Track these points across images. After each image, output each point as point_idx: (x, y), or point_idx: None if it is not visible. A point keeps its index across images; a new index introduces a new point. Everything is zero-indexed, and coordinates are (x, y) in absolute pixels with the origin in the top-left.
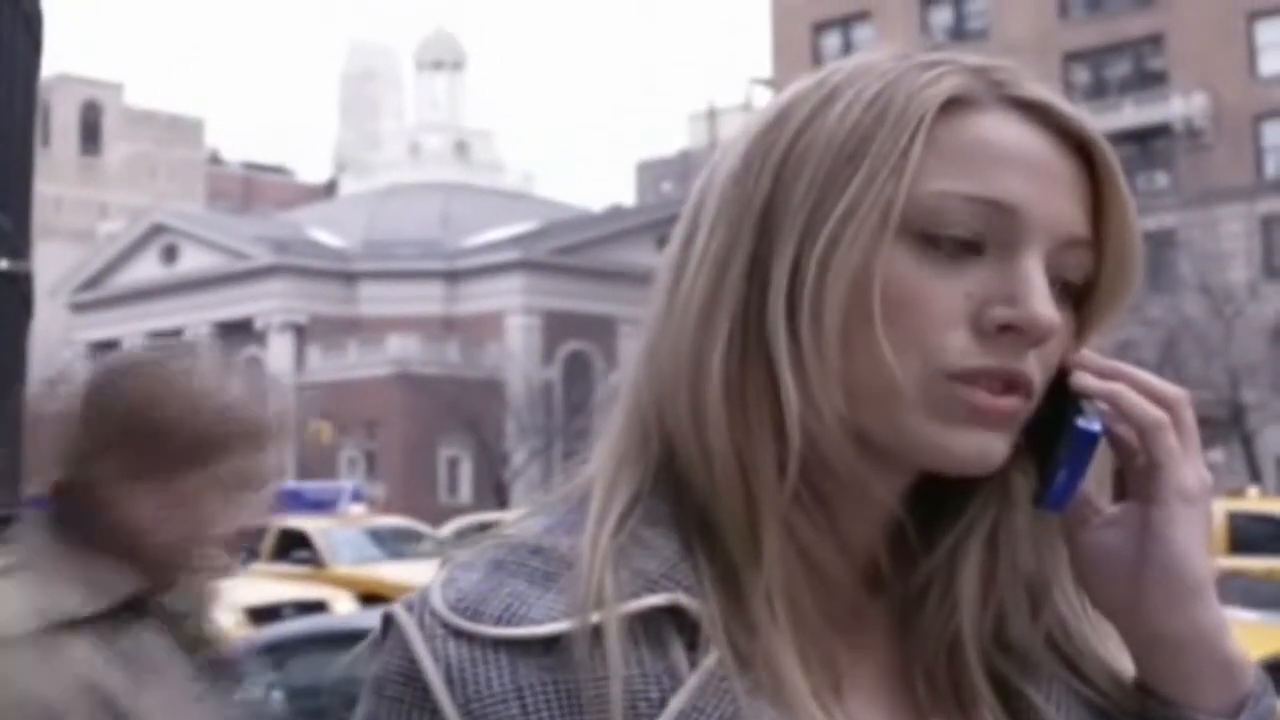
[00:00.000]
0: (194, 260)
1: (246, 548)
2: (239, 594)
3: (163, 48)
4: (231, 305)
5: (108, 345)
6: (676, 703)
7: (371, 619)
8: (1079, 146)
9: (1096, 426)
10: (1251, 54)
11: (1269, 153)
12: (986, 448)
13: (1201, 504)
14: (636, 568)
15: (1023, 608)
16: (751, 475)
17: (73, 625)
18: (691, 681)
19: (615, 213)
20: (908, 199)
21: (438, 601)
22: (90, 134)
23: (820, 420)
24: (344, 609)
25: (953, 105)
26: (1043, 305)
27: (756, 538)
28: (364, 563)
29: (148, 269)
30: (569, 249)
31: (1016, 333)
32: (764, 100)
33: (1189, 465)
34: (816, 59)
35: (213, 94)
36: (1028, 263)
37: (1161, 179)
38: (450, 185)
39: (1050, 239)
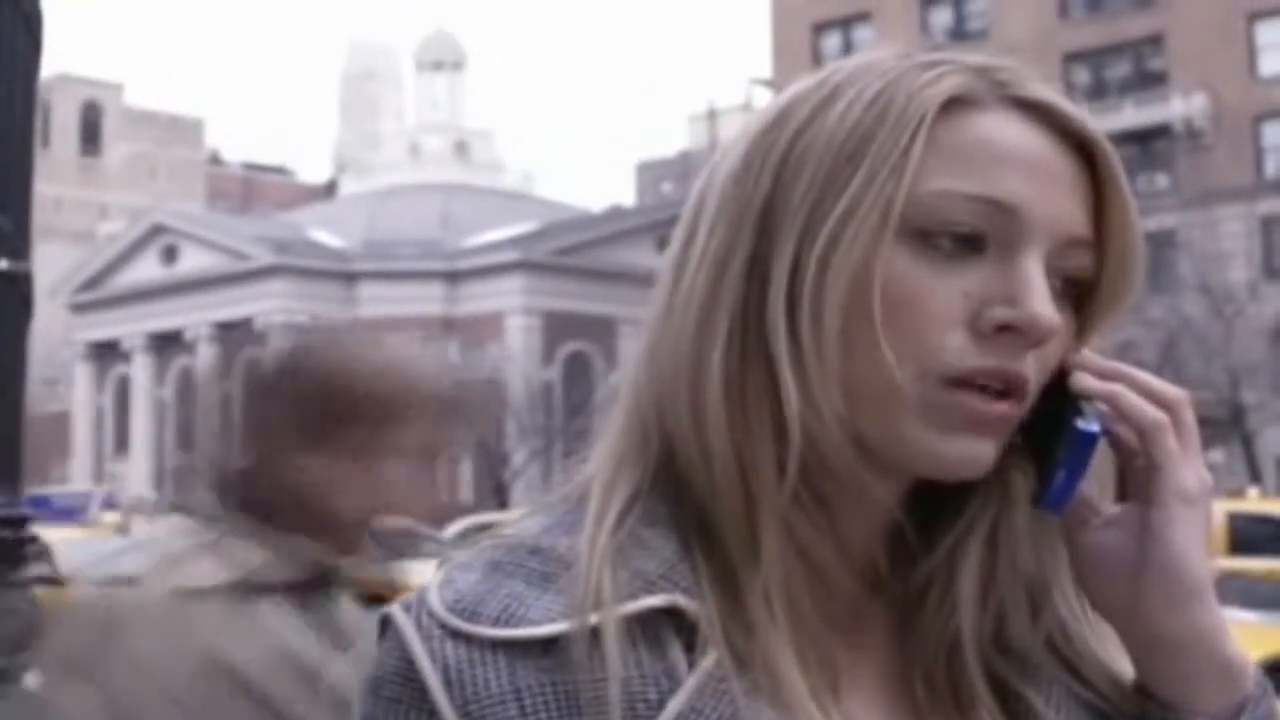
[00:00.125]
0: (194, 260)
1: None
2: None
3: (163, 48)
4: (231, 305)
5: (108, 345)
6: (674, 704)
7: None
8: (1081, 146)
9: (1095, 427)
10: (1251, 54)
11: (1269, 153)
12: (977, 453)
13: (1201, 505)
14: (635, 568)
15: (1022, 609)
16: (751, 474)
17: (265, 589)
18: (689, 683)
19: (615, 213)
20: (908, 198)
21: (435, 602)
22: (90, 134)
23: (820, 420)
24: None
25: (954, 105)
26: (1042, 305)
27: (755, 537)
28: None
29: (148, 269)
30: (569, 249)
31: (1015, 333)
32: (764, 101)
33: (1189, 466)
34: (816, 59)
35: (213, 94)
36: (1027, 263)
37: (1161, 179)
38: (450, 185)
39: (1050, 239)
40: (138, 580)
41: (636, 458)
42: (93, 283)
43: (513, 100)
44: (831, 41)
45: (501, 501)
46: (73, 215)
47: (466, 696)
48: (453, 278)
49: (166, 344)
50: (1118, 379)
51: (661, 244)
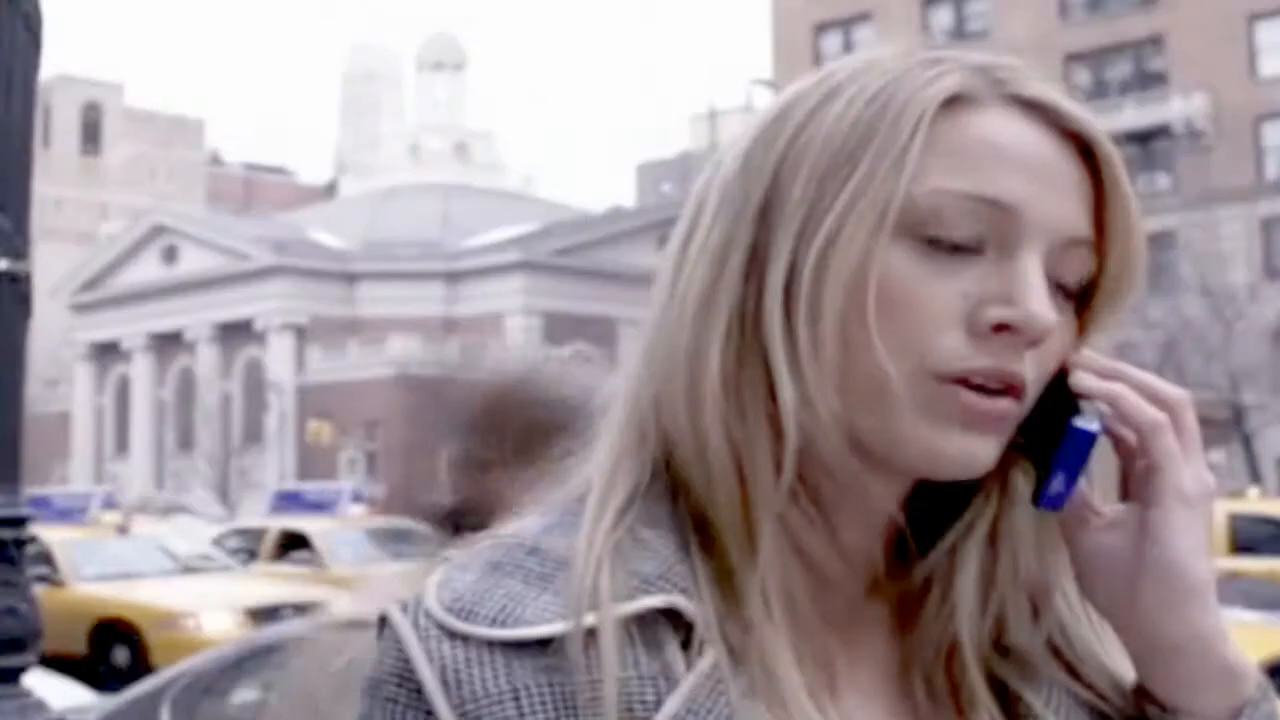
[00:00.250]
0: (194, 261)
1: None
2: (239, 594)
3: (163, 48)
4: (232, 306)
5: (108, 346)
6: (671, 705)
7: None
8: (1083, 146)
9: (1093, 426)
10: (1252, 55)
11: (1269, 154)
12: (976, 450)
13: (1201, 507)
14: (632, 568)
15: (1023, 610)
16: (747, 472)
17: None
18: (686, 683)
19: (615, 214)
20: (906, 197)
21: (432, 602)
22: (90, 134)
23: (816, 418)
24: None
25: (954, 103)
26: (1039, 304)
27: (752, 535)
28: (364, 563)
29: (148, 270)
30: (569, 250)
31: (1012, 332)
32: (764, 102)
33: (1188, 468)
34: (817, 60)
35: (213, 94)
36: (1025, 262)
37: (1162, 180)
38: (450, 186)
39: (1050, 239)
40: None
41: (635, 456)
42: (93, 283)
43: (513, 101)
44: (832, 42)
45: None
46: (73, 215)
47: (463, 697)
48: (453, 278)
49: (166, 344)
50: (1118, 379)
51: (662, 244)
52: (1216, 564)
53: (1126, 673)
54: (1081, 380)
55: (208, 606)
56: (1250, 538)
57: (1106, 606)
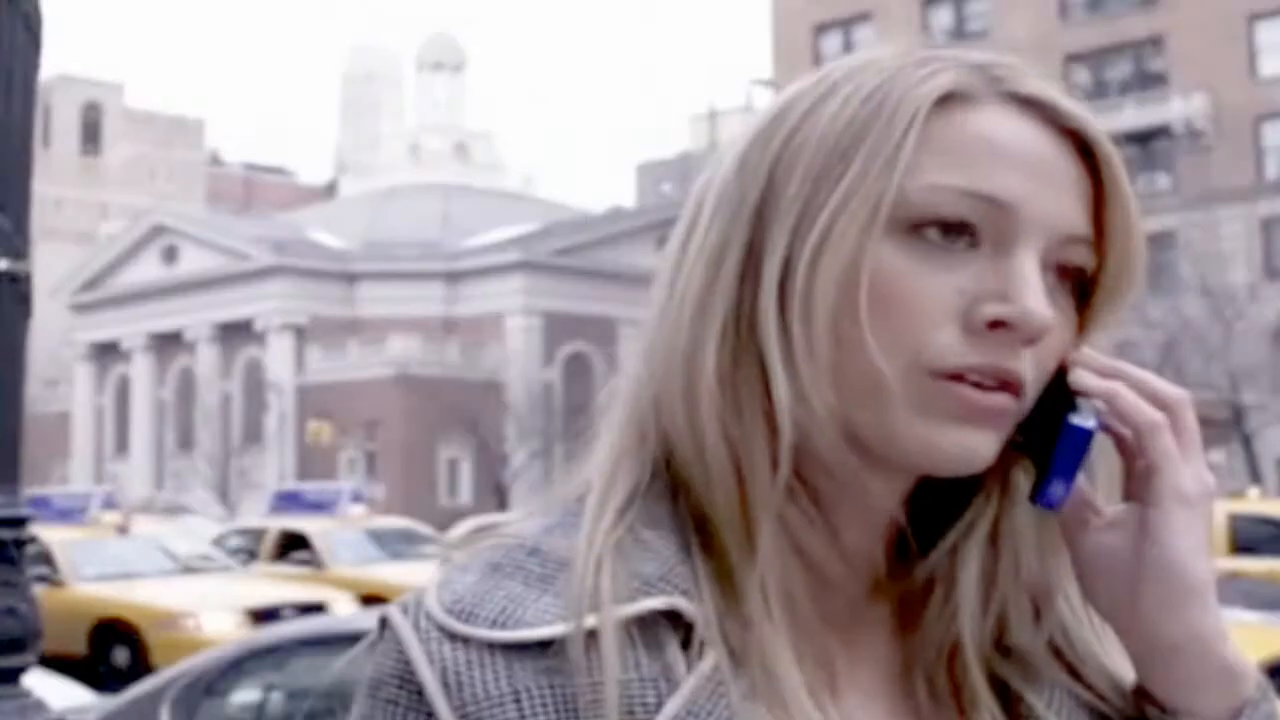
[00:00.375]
0: (194, 261)
1: None
2: (238, 595)
3: (163, 48)
4: (232, 306)
5: (108, 346)
6: (672, 706)
7: (371, 620)
8: (1081, 144)
9: (1089, 424)
10: (1252, 55)
11: (1269, 154)
12: (974, 446)
13: (1200, 507)
14: (633, 569)
15: (1024, 611)
16: (745, 469)
17: None
18: (688, 685)
19: (615, 214)
20: (901, 194)
21: (433, 604)
22: (90, 134)
23: (811, 415)
24: (343, 610)
25: (950, 101)
26: (1035, 301)
27: (750, 533)
28: (363, 564)
29: (148, 270)
30: (569, 250)
31: (1008, 329)
32: (764, 102)
33: (1187, 468)
34: (817, 60)
35: (213, 94)
36: (1022, 259)
37: (1162, 180)
38: (450, 186)
39: (1046, 236)
40: None
41: (635, 456)
42: (93, 283)
43: (513, 101)
44: (832, 42)
45: (501, 503)
46: (73, 215)
47: (464, 698)
48: (453, 278)
49: (166, 344)
50: (1117, 378)
51: (661, 245)
52: (1216, 564)
53: (1127, 674)
54: (1080, 378)
55: (208, 607)
56: (1250, 538)
57: (1106, 607)
